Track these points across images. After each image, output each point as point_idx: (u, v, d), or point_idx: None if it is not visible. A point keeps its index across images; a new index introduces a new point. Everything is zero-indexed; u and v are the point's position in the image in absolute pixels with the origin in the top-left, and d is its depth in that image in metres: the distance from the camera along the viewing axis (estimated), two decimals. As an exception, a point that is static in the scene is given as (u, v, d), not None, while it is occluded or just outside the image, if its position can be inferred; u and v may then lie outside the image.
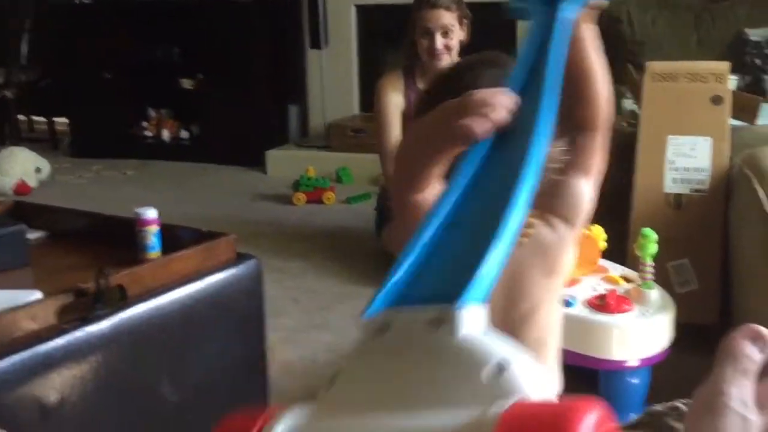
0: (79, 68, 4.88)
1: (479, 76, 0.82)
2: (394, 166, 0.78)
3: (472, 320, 0.38)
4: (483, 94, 0.55)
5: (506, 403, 0.35)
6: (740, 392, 0.58)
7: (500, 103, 0.52)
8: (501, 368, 0.36)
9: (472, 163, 0.49)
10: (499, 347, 0.37)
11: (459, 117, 0.54)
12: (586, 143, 0.81)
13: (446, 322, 0.38)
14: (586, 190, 0.83)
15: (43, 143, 5.22)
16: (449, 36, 2.55)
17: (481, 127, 0.52)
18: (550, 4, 0.57)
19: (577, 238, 0.86)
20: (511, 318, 0.82)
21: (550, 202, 0.82)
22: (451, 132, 0.55)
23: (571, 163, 0.82)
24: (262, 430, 0.38)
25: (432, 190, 0.70)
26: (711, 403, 0.57)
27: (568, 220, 0.83)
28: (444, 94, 0.71)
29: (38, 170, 4.28)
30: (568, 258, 0.86)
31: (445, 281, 0.42)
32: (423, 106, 0.80)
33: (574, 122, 0.79)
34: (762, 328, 0.63)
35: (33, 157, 4.31)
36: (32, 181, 4.19)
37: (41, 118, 5.46)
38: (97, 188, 4.20)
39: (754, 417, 0.57)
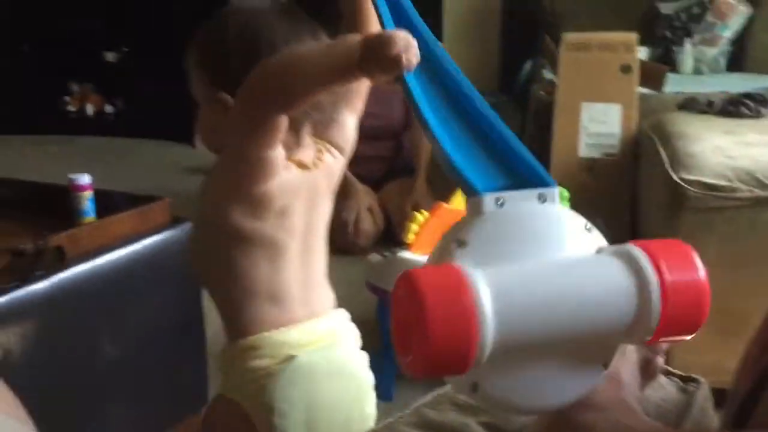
0: (-4, 41, 4.73)
1: (264, 22, 0.96)
2: (270, 82, 0.84)
3: (557, 197, 0.58)
4: (404, 34, 0.65)
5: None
6: None
7: (415, 44, 0.64)
8: (588, 226, 0.57)
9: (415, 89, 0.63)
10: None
11: (395, 52, 0.63)
12: (356, 85, 0.97)
13: (549, 198, 0.57)
14: (352, 124, 1.02)
15: (-41, 119, 5.06)
16: None
17: (413, 61, 0.64)
18: None
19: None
20: (311, 226, 0.99)
21: (329, 135, 1.00)
22: (386, 64, 0.64)
23: (343, 101, 0.99)
24: (466, 281, 0.50)
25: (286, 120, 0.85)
26: None
27: (341, 149, 1.02)
28: (245, 47, 0.93)
29: (-44, 146, 4.16)
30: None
31: (511, 169, 0.60)
32: (224, 63, 0.95)
33: None
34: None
35: (-50, 132, 4.18)
36: (-50, 158, 4.07)
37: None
38: (19, 164, 4.11)
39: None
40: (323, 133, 0.99)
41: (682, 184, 1.56)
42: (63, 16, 4.63)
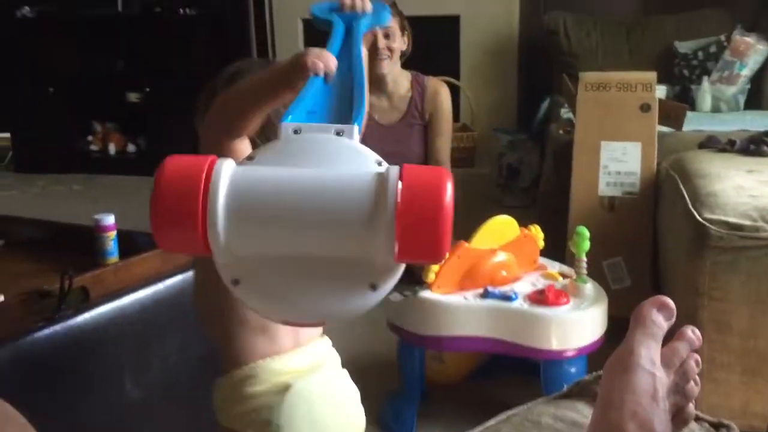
0: (22, 82, 4.83)
1: (249, 64, 1.12)
2: (216, 113, 0.93)
3: (356, 135, 0.61)
4: (318, 49, 0.76)
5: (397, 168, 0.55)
6: (648, 353, 0.67)
7: (329, 56, 0.75)
8: (379, 161, 0.58)
9: (309, 93, 0.71)
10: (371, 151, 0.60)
11: (305, 58, 0.74)
12: None
13: (346, 133, 0.61)
14: None
15: (-15, 158, 5.15)
16: (391, 39, 2.65)
17: (324, 64, 0.73)
18: (347, 23, 0.88)
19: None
20: None
21: None
22: (298, 68, 0.74)
23: None
24: (213, 166, 0.55)
25: (244, 141, 0.93)
26: (624, 362, 0.66)
27: None
28: (226, 81, 1.06)
29: (-19, 185, 4.23)
30: None
31: (335, 117, 0.68)
32: (208, 96, 1.08)
33: None
34: (668, 299, 0.73)
35: (-25, 172, 4.25)
36: (-25, 197, 4.13)
37: (-18, 133, 5.36)
38: (43, 203, 4.17)
39: (660, 374, 0.67)
40: None
41: (705, 223, 1.55)
42: (86, 58, 4.73)
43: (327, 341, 1.15)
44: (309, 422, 1.03)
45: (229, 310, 1.03)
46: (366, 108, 0.72)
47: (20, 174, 4.83)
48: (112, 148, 4.93)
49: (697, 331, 0.71)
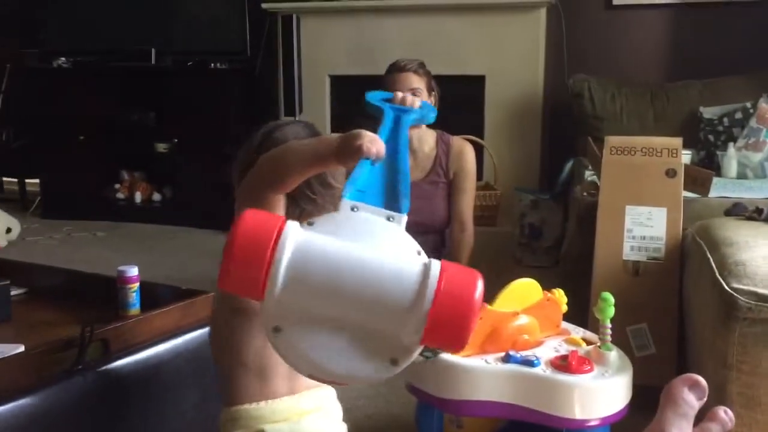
0: (55, 129, 4.93)
1: (286, 129, 1.19)
2: (266, 165, 1.02)
3: (404, 223, 0.73)
4: (371, 133, 0.85)
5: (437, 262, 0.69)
6: None
7: (381, 142, 0.84)
8: (419, 251, 0.72)
9: (362, 173, 0.82)
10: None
11: (360, 142, 0.82)
12: None
13: (396, 220, 0.73)
14: None
15: (14, 204, 5.22)
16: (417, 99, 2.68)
17: (376, 150, 0.82)
18: (397, 114, 1.03)
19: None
20: None
21: None
22: (353, 149, 0.83)
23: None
24: (284, 225, 0.66)
25: (281, 197, 1.03)
26: None
27: None
28: (266, 143, 1.14)
29: (8, 230, 4.28)
30: None
31: (382, 198, 0.78)
32: (249, 157, 1.14)
33: None
34: (700, 378, 0.71)
35: (3, 216, 4.30)
36: (2, 241, 4.18)
37: (12, 179, 5.46)
38: (67, 249, 4.21)
39: None
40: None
41: (733, 293, 1.52)
42: (118, 109, 4.84)
43: (328, 391, 1.16)
44: None
45: (230, 349, 1.09)
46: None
47: (47, 220, 4.90)
48: (138, 197, 4.99)
49: (730, 412, 0.69)
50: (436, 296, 0.63)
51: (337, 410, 1.19)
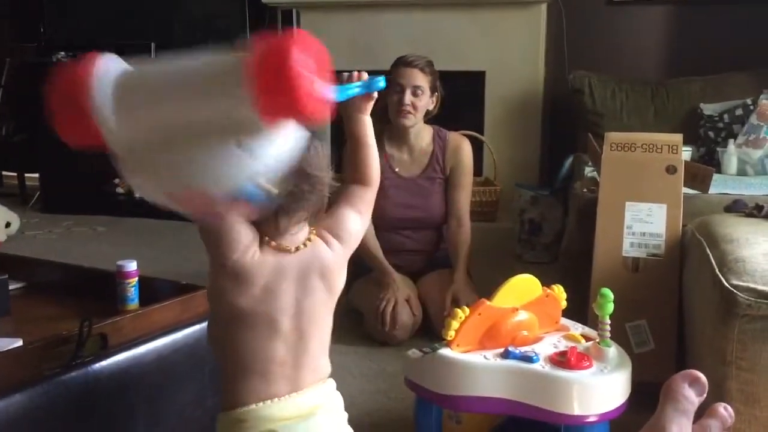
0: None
1: None
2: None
3: None
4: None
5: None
6: (680, 430, 0.65)
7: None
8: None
9: None
10: None
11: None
12: (360, 192, 1.24)
13: None
14: (352, 218, 1.22)
15: (13, 198, 5.22)
16: (418, 96, 2.67)
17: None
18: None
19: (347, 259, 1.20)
20: (304, 309, 1.14)
21: (325, 224, 1.19)
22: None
23: (347, 199, 1.23)
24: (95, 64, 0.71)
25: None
26: None
27: (339, 238, 1.19)
28: None
29: (7, 225, 4.28)
30: (342, 278, 1.20)
31: None
32: None
33: (355, 178, 1.23)
34: (700, 374, 0.70)
35: (3, 211, 4.30)
36: (1, 235, 4.17)
37: (12, 173, 5.46)
38: (67, 243, 4.20)
39: None
40: (318, 221, 1.18)
41: (733, 290, 1.52)
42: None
43: (328, 385, 1.18)
44: None
45: (232, 352, 1.10)
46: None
47: (47, 214, 4.89)
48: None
49: (730, 408, 0.69)
50: (252, 52, 0.63)
51: (339, 402, 1.20)
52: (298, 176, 1.08)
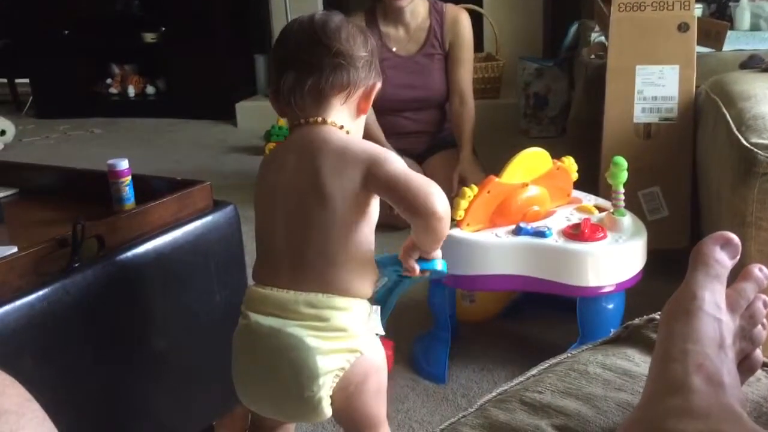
0: (37, 26, 4.74)
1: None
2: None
3: None
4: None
5: None
6: (713, 296, 0.60)
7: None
8: None
9: None
10: None
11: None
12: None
13: None
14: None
15: (6, 105, 5.11)
16: None
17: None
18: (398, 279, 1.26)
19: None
20: (291, 196, 1.16)
21: (318, 112, 1.15)
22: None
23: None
24: None
25: None
26: (686, 307, 0.59)
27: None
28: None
29: (2, 132, 4.20)
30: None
31: None
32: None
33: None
34: (732, 235, 0.65)
35: (-4, 119, 4.22)
36: (-3, 144, 4.11)
37: (2, 80, 5.32)
38: (65, 148, 4.14)
39: (726, 318, 0.60)
40: (308, 109, 1.14)
41: (752, 148, 1.45)
42: (101, 1, 4.64)
43: (328, 302, 1.08)
44: (245, 360, 1.13)
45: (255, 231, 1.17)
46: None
47: (42, 120, 4.80)
48: (131, 91, 4.87)
49: (765, 269, 0.64)
50: None
51: (336, 332, 1.14)
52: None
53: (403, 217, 1.08)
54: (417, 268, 1.14)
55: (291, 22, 1.18)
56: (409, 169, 1.09)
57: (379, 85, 1.19)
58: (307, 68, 1.11)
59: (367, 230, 1.12)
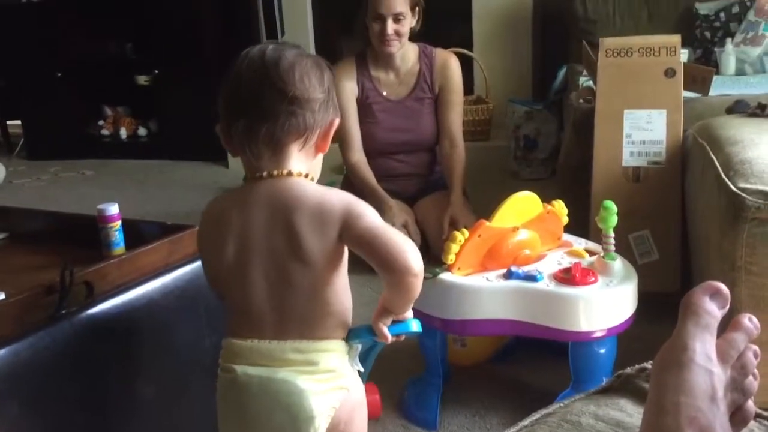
0: (31, 68, 4.77)
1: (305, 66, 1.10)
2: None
3: None
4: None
5: None
6: (704, 347, 0.60)
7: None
8: None
9: None
10: None
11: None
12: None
13: None
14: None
15: (-3, 147, 5.13)
16: (401, 23, 2.55)
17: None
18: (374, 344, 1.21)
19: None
20: (274, 251, 1.10)
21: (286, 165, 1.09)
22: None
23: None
24: None
25: None
26: (677, 358, 0.59)
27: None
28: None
29: (-7, 174, 4.20)
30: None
31: None
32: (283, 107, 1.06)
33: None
34: (721, 285, 0.65)
35: (-14, 161, 4.22)
36: (-13, 186, 4.10)
37: (-7, 122, 5.33)
38: (56, 190, 4.13)
39: (718, 370, 0.60)
40: (266, 159, 1.08)
41: (740, 193, 1.46)
42: (93, 42, 4.67)
43: (316, 346, 1.07)
44: (237, 414, 1.08)
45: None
46: None
47: (33, 161, 4.80)
48: (123, 132, 4.89)
49: (755, 319, 0.64)
50: None
51: (329, 375, 1.13)
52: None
53: (377, 271, 1.05)
54: (389, 336, 1.09)
55: (241, 58, 1.10)
56: (385, 223, 1.07)
57: (337, 121, 1.13)
58: (260, 115, 1.05)
59: (344, 279, 1.10)
